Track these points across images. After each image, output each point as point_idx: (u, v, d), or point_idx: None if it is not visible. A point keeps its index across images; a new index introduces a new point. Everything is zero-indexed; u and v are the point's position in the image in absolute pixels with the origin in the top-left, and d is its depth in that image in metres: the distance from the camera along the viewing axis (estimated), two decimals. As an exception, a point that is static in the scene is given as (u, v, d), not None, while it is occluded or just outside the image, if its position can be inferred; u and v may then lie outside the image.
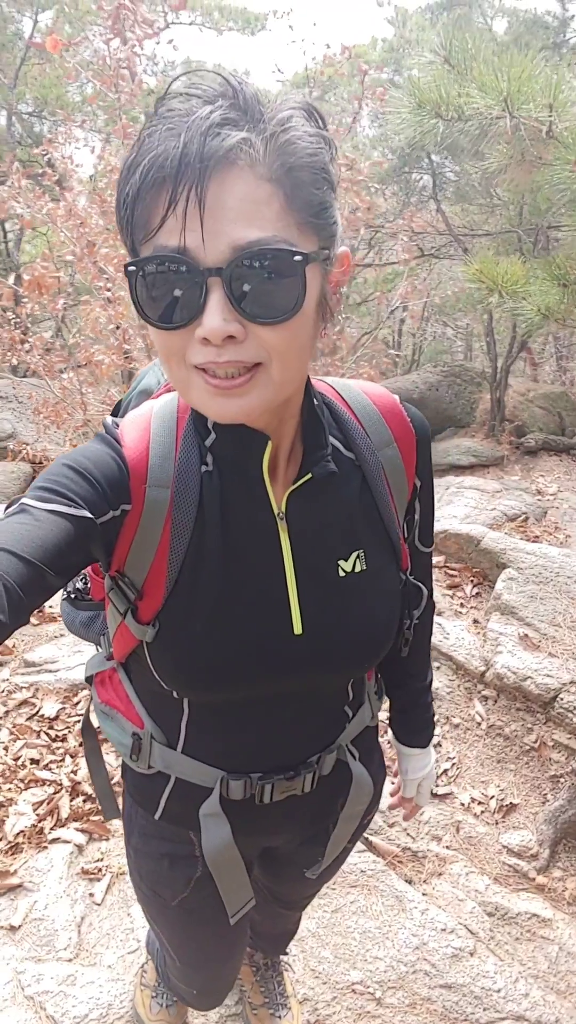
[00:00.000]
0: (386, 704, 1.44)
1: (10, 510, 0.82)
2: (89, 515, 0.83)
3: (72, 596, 1.32)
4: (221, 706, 1.07)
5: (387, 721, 1.50)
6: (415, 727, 1.46)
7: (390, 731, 1.49)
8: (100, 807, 1.41)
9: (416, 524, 1.17)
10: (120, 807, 1.36)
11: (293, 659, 1.01)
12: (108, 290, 4.50)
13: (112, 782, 1.48)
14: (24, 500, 0.82)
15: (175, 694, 1.04)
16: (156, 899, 1.30)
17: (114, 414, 1.17)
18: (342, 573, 1.02)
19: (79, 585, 1.31)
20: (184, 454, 0.95)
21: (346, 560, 1.02)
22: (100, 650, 1.28)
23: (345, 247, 0.87)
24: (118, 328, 4.50)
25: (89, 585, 1.28)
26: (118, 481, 0.90)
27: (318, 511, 1.01)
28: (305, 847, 1.31)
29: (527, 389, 11.42)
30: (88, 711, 1.31)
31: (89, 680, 1.26)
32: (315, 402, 0.99)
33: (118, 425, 0.98)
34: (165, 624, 0.97)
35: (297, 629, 1.00)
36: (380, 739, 1.40)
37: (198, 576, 0.96)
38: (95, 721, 1.27)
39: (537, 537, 5.23)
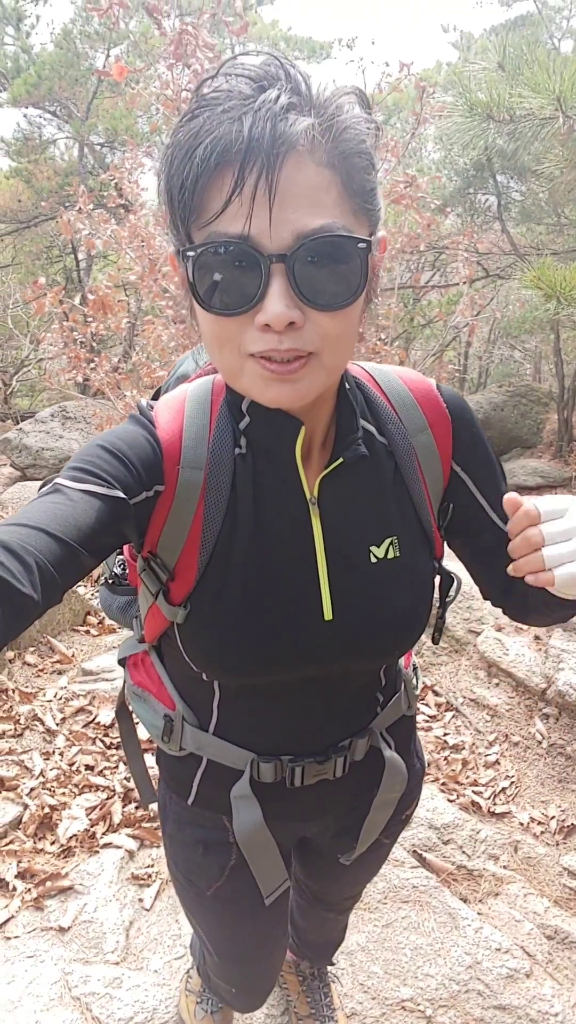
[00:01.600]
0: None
1: (44, 490, 0.82)
2: (122, 495, 0.83)
3: (110, 581, 1.33)
4: (251, 689, 1.06)
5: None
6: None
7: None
8: (137, 790, 1.40)
9: (480, 499, 1.08)
10: (155, 793, 1.36)
11: (322, 644, 1.00)
12: (171, 309, 4.57)
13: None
14: (58, 480, 0.82)
15: (204, 676, 1.04)
16: (192, 888, 1.29)
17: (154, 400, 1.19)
18: (374, 559, 1.01)
19: (117, 571, 1.31)
20: (218, 436, 0.95)
21: (378, 546, 1.01)
22: (134, 633, 1.29)
23: (382, 232, 0.87)
24: (181, 347, 4.56)
25: (127, 571, 1.29)
26: (152, 462, 0.90)
27: (350, 496, 1.00)
28: (339, 838, 1.29)
29: (596, 409, 11.17)
30: (123, 693, 1.32)
31: (122, 663, 1.28)
32: (347, 386, 0.98)
33: (152, 407, 0.98)
34: (196, 606, 0.97)
35: (327, 615, 0.99)
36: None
37: (230, 558, 0.96)
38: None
39: (604, 556, 5.10)
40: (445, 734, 3.22)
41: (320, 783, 1.14)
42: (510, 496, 0.83)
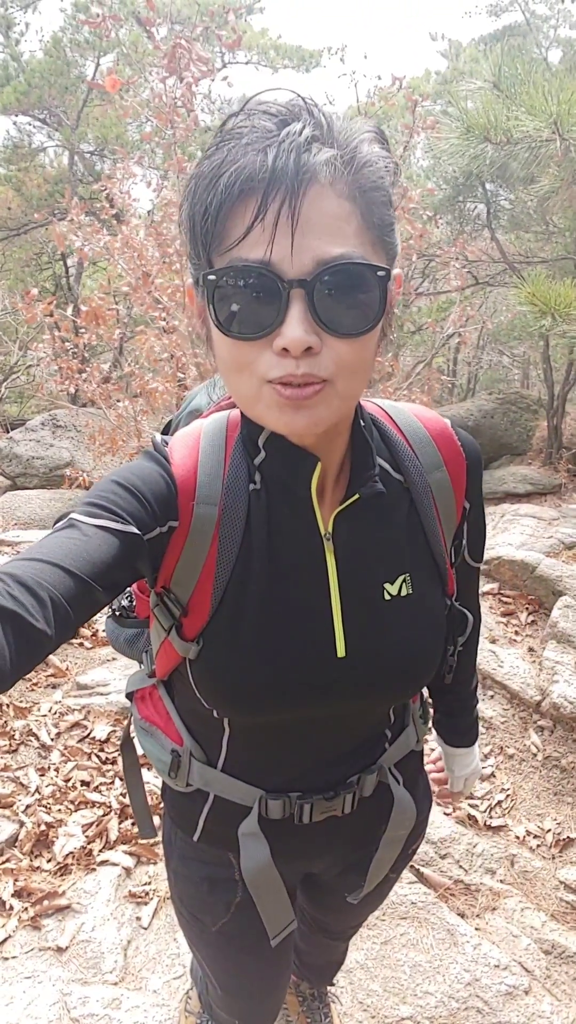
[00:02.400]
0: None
1: (59, 524, 0.82)
2: (136, 531, 0.83)
3: (117, 613, 1.32)
4: (262, 726, 1.05)
5: (432, 722, 1.49)
6: (460, 729, 1.45)
7: (434, 731, 1.48)
8: (136, 824, 1.40)
9: (465, 543, 1.14)
10: (156, 826, 1.36)
11: (335, 682, 0.99)
12: (163, 320, 4.58)
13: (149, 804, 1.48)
14: (73, 515, 0.82)
15: (215, 713, 1.04)
16: (197, 924, 1.28)
17: (164, 434, 1.19)
18: (388, 596, 1.00)
19: (124, 603, 1.31)
20: (232, 472, 0.95)
21: (392, 583, 1.01)
22: (143, 667, 1.28)
23: (398, 269, 0.88)
24: (172, 357, 4.57)
25: (134, 603, 1.29)
26: (166, 498, 0.90)
27: (365, 533, 1.00)
28: (347, 875, 1.28)
29: (585, 416, 11.24)
30: (128, 728, 1.31)
31: (130, 697, 1.26)
32: (363, 423, 0.98)
33: (167, 443, 0.98)
34: (209, 641, 0.97)
35: (340, 652, 0.98)
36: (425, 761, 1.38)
37: (244, 594, 0.96)
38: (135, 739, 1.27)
39: (595, 565, 5.12)
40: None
41: (328, 820, 1.13)
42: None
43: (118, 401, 5.15)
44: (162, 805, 1.29)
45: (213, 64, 4.02)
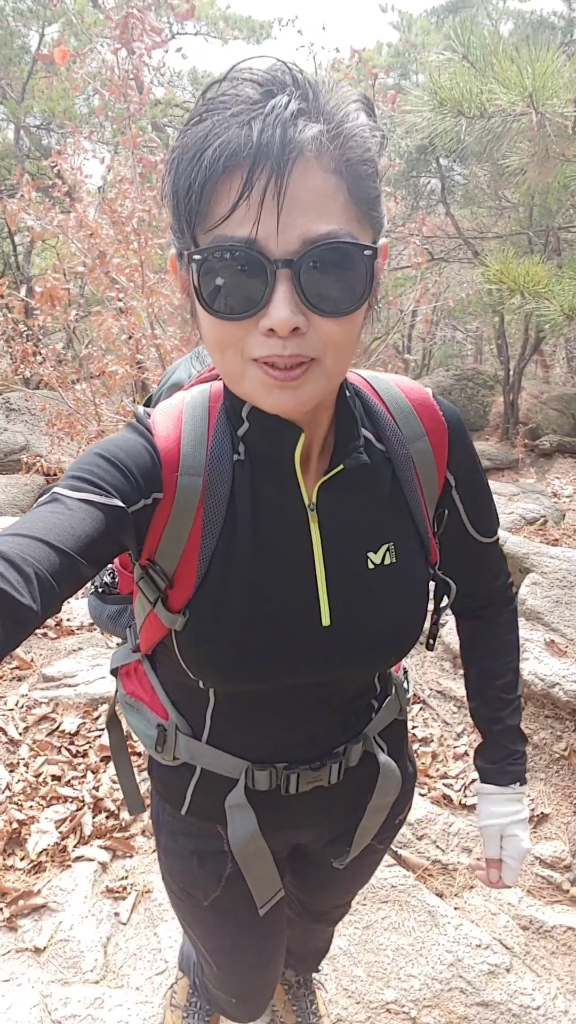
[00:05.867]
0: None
1: (42, 499, 0.82)
2: (121, 504, 0.83)
3: (100, 590, 1.32)
4: (247, 697, 1.06)
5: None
6: (492, 754, 1.30)
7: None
8: (125, 801, 1.39)
9: (463, 515, 1.13)
10: (145, 802, 1.36)
11: (320, 650, 1.00)
12: (120, 300, 4.48)
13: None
14: (56, 489, 0.82)
15: (201, 684, 1.04)
16: (189, 900, 1.29)
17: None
18: (371, 565, 1.01)
19: (107, 579, 1.31)
20: (216, 443, 0.95)
21: (375, 552, 1.01)
22: (127, 643, 1.27)
23: (384, 239, 0.86)
24: (130, 338, 4.47)
25: (117, 579, 1.28)
26: (150, 470, 0.90)
27: (348, 503, 1.00)
28: (333, 845, 1.28)
29: (540, 391, 11.39)
30: (113, 705, 1.30)
31: (114, 672, 1.26)
32: (348, 394, 0.98)
33: (150, 415, 0.97)
34: (195, 612, 0.97)
35: (325, 620, 0.99)
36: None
37: (229, 565, 0.96)
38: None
39: (557, 540, 5.18)
40: (414, 727, 3.23)
41: (315, 790, 1.13)
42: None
43: (74, 383, 5.05)
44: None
45: (167, 33, 3.90)
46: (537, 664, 3.23)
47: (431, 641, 1.24)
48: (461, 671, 3.44)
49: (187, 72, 11.35)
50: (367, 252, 0.78)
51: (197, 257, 0.77)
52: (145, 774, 1.38)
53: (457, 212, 9.61)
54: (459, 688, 3.37)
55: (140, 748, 2.71)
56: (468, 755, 3.07)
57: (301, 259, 0.74)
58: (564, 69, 1.86)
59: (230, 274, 0.76)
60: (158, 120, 9.12)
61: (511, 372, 9.89)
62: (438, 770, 3.03)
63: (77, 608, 4.04)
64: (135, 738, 1.28)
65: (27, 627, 0.70)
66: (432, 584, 1.12)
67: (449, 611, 1.24)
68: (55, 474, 6.25)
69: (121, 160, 5.24)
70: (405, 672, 1.30)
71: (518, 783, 1.29)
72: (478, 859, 1.31)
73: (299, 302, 0.76)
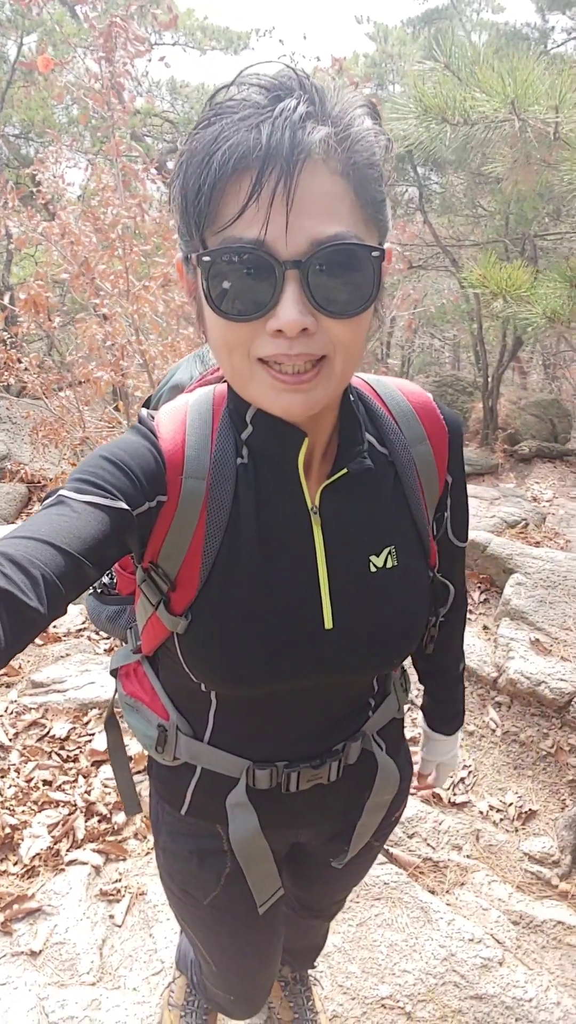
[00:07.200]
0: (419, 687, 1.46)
1: (47, 502, 0.82)
2: (125, 507, 0.84)
3: (98, 591, 1.32)
4: (249, 698, 1.07)
5: (418, 704, 1.53)
6: (445, 715, 1.48)
7: (419, 713, 1.51)
8: (121, 802, 1.40)
9: (448, 520, 1.16)
10: (141, 803, 1.37)
11: (323, 653, 1.00)
12: (104, 307, 4.49)
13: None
14: (62, 492, 0.82)
15: (203, 687, 1.04)
16: (188, 899, 1.29)
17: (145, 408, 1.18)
18: (373, 569, 1.02)
19: (105, 580, 1.31)
20: (220, 446, 0.95)
21: (377, 556, 1.02)
22: (126, 644, 1.28)
23: (388, 244, 0.87)
24: (114, 345, 4.48)
25: (115, 580, 1.29)
26: (154, 472, 0.90)
27: (351, 506, 1.01)
28: (332, 843, 1.30)
29: (518, 397, 11.47)
30: (111, 705, 1.31)
31: (114, 673, 1.27)
32: (351, 398, 0.99)
33: (154, 417, 0.98)
34: (198, 615, 0.97)
35: (328, 623, 1.00)
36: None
37: (232, 568, 0.96)
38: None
39: (538, 543, 5.23)
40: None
41: (314, 788, 1.14)
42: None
43: (58, 391, 5.04)
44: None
45: (149, 43, 3.93)
46: (523, 663, 3.27)
47: (431, 644, 1.27)
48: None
49: (166, 82, 11.39)
50: (375, 254, 0.79)
51: (206, 259, 0.77)
52: (139, 775, 1.39)
53: (435, 220, 9.68)
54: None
55: (134, 751, 2.72)
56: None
57: (309, 260, 0.75)
58: (544, 77, 1.91)
59: (239, 275, 0.76)
60: (137, 130, 9.13)
61: (490, 378, 9.96)
62: (427, 769, 3.05)
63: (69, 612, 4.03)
64: (127, 740, 1.29)
65: (34, 629, 0.71)
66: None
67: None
68: (39, 482, 6.22)
69: (104, 168, 5.26)
70: (403, 672, 1.32)
71: (459, 729, 1.50)
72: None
73: (307, 303, 0.77)
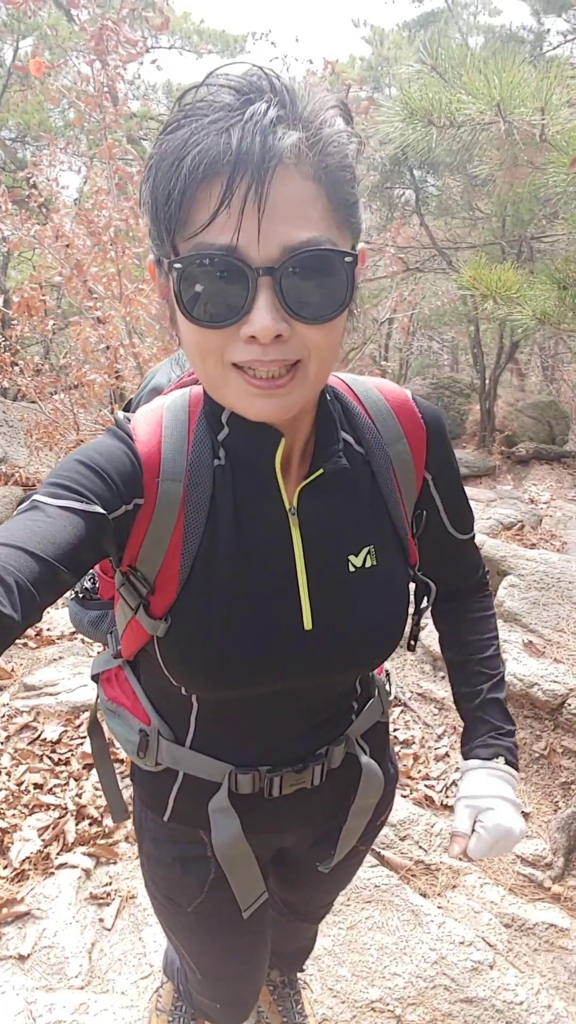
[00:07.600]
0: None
1: (22, 507, 0.81)
2: (101, 511, 0.83)
3: (80, 596, 1.32)
4: (230, 701, 1.06)
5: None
6: (476, 729, 1.26)
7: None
8: (108, 807, 1.39)
9: (443, 514, 1.14)
10: (128, 808, 1.35)
11: (303, 654, 1.00)
12: (98, 310, 4.49)
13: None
14: (36, 497, 0.81)
15: (184, 691, 1.03)
16: (172, 906, 1.28)
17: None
18: (352, 568, 1.01)
19: (87, 585, 1.31)
20: (196, 448, 0.95)
21: (356, 556, 1.02)
22: (107, 648, 1.27)
23: (362, 244, 0.87)
24: (108, 348, 4.49)
25: (97, 584, 1.28)
26: (131, 476, 0.89)
27: (329, 506, 1.00)
28: (317, 847, 1.29)
29: (516, 399, 11.49)
30: (95, 711, 1.30)
31: (95, 678, 1.26)
32: (328, 398, 0.98)
33: (130, 420, 0.97)
34: (177, 618, 0.96)
35: (307, 624, 0.99)
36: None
37: (210, 570, 0.96)
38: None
39: (534, 544, 5.23)
40: (395, 729, 3.25)
41: (298, 792, 1.14)
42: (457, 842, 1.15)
43: (53, 394, 5.05)
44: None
45: (142, 46, 3.94)
46: (516, 665, 3.26)
47: (412, 643, 1.25)
48: (442, 673, 3.48)
49: (162, 85, 11.42)
50: (347, 259, 0.78)
51: (178, 265, 0.76)
52: (128, 780, 1.38)
53: (431, 223, 9.70)
54: (440, 690, 3.40)
55: (122, 755, 2.71)
56: (449, 756, 3.10)
57: (282, 266, 0.74)
58: (531, 79, 1.91)
59: (211, 281, 0.76)
60: (133, 133, 9.15)
61: (487, 380, 9.99)
62: (420, 771, 3.05)
63: (57, 618, 4.03)
64: (117, 745, 1.28)
65: (8, 636, 0.70)
66: (412, 585, 1.13)
67: (428, 613, 1.27)
68: (34, 485, 6.22)
69: (97, 171, 5.27)
70: (387, 674, 1.31)
71: (502, 759, 1.20)
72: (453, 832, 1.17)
73: (281, 309, 0.76)
